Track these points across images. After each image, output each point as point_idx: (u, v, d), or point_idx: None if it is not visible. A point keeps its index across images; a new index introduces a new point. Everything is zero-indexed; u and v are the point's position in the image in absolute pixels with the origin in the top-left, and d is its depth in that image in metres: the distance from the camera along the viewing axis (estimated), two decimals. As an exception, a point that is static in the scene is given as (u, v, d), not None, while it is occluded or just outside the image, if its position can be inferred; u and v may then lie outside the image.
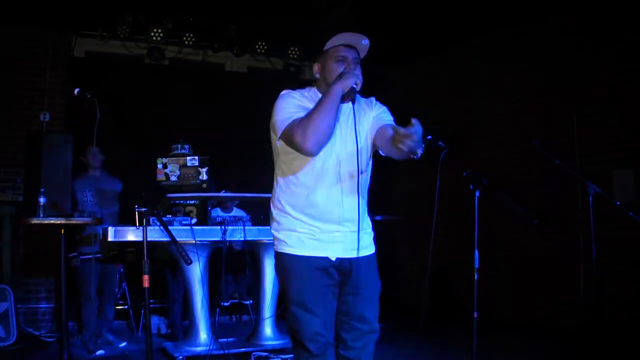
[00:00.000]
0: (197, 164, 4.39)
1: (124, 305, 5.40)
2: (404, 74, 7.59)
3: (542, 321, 5.37)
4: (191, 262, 2.96)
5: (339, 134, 2.21)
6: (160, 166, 4.38)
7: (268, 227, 4.28)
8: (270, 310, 4.53)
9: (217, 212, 5.44)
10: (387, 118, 2.34)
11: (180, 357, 4.10)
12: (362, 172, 2.23)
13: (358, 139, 2.19)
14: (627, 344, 4.31)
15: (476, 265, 3.34)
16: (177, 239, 3.02)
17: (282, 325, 4.72)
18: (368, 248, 2.33)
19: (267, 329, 4.51)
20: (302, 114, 2.13)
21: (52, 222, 3.87)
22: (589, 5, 5.17)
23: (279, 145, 2.24)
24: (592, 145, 5.09)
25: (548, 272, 5.46)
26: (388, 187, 7.42)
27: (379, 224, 7.21)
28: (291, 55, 6.69)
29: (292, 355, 4.29)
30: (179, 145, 4.99)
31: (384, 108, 2.39)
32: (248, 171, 6.56)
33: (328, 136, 2.12)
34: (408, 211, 6.93)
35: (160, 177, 4.37)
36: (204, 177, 4.37)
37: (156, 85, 6.27)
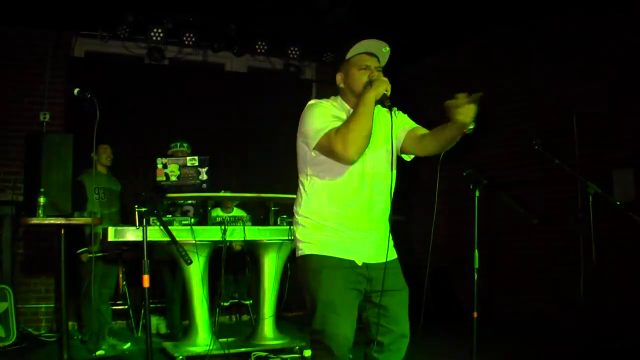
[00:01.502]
0: (197, 164, 4.38)
1: (124, 305, 5.40)
2: (404, 74, 7.58)
3: (542, 321, 5.36)
4: (191, 262, 2.96)
5: (371, 141, 2.20)
6: (160, 166, 4.37)
7: (268, 227, 4.27)
8: (270, 310, 4.53)
9: (217, 212, 5.44)
10: (412, 122, 2.41)
11: (180, 357, 4.10)
12: (384, 180, 2.31)
13: (393, 147, 2.24)
14: (627, 344, 4.31)
15: (476, 265, 3.34)
16: (177, 239, 3.02)
17: (282, 325, 4.74)
18: (391, 253, 2.37)
19: (267, 329, 4.51)
20: (337, 124, 2.16)
21: (52, 222, 3.87)
22: (589, 4, 5.17)
23: (313, 155, 2.24)
24: (592, 145, 5.09)
25: (548, 272, 5.46)
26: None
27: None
28: (291, 55, 6.69)
29: (293, 355, 4.32)
30: (178, 144, 5.00)
31: (405, 115, 2.45)
32: (248, 171, 6.57)
33: (367, 143, 2.14)
34: (408, 211, 6.92)
35: (160, 177, 4.37)
36: (204, 177, 4.37)
37: (156, 85, 6.26)
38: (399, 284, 2.34)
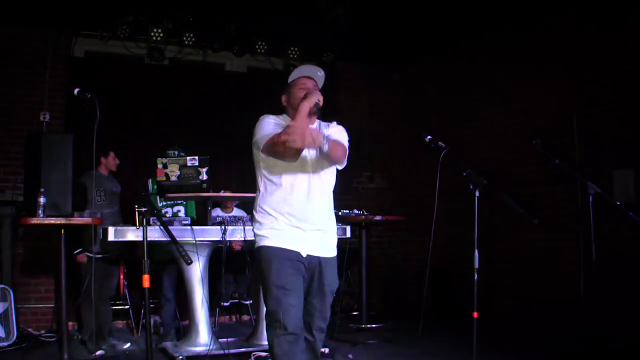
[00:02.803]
0: (197, 164, 4.38)
1: (124, 305, 5.40)
2: (404, 74, 7.59)
3: (542, 321, 5.36)
4: (191, 262, 2.96)
5: (309, 152, 2.68)
6: (160, 166, 4.37)
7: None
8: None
9: (217, 212, 5.44)
10: (332, 132, 2.80)
11: (180, 357, 4.10)
12: (324, 184, 2.73)
13: (322, 148, 2.62)
14: (627, 344, 4.31)
15: (476, 265, 3.34)
16: (177, 239, 3.02)
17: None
18: (331, 250, 2.78)
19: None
20: (279, 130, 2.62)
21: (52, 222, 3.87)
22: (589, 4, 5.17)
23: (262, 157, 2.71)
24: (592, 145, 5.09)
25: (548, 272, 5.46)
26: (388, 187, 7.42)
27: (380, 224, 7.17)
28: (291, 55, 6.68)
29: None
30: (175, 152, 4.99)
31: (338, 128, 2.87)
32: (248, 171, 6.53)
33: (305, 139, 2.55)
34: (408, 211, 6.92)
35: (160, 177, 4.37)
36: (204, 177, 4.37)
37: (156, 85, 6.26)
38: (334, 278, 2.75)
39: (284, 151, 2.57)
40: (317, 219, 2.70)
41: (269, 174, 2.72)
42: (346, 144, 2.83)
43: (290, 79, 2.85)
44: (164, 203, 5.18)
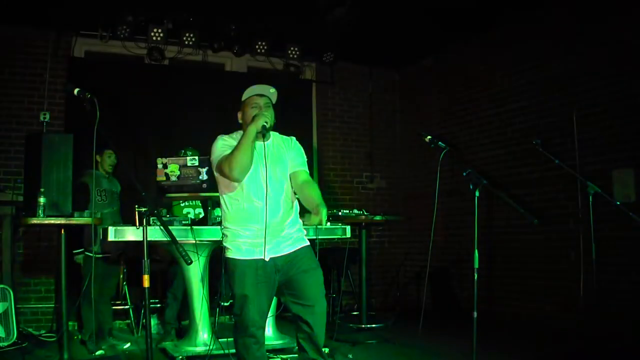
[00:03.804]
0: (197, 164, 4.39)
1: (124, 305, 5.40)
2: (404, 74, 7.59)
3: (542, 321, 5.37)
4: (191, 262, 2.96)
5: (262, 165, 2.85)
6: (160, 166, 4.37)
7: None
8: (270, 310, 4.51)
9: (218, 212, 5.44)
10: (299, 162, 3.00)
11: (180, 357, 4.10)
12: (278, 192, 2.89)
13: (267, 168, 2.84)
14: (626, 343, 4.31)
15: (476, 265, 3.33)
16: (178, 239, 3.02)
17: (282, 325, 4.74)
18: (297, 244, 2.92)
19: (267, 329, 4.51)
20: (229, 152, 2.83)
21: (52, 222, 3.87)
22: (590, 4, 5.17)
23: (217, 176, 2.94)
24: (592, 145, 5.09)
25: (548, 272, 5.46)
26: (388, 187, 7.42)
27: (379, 224, 7.13)
28: (291, 55, 6.69)
29: (292, 355, 4.33)
30: (188, 152, 4.99)
31: (299, 150, 3.04)
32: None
33: (248, 166, 2.80)
34: (408, 211, 6.93)
35: (160, 177, 4.37)
36: (204, 177, 4.37)
37: (156, 85, 6.26)
38: (310, 265, 2.89)
39: (228, 178, 2.81)
40: (277, 227, 2.87)
41: (227, 190, 2.92)
42: (305, 162, 3.01)
43: (244, 98, 3.00)
44: (186, 203, 5.19)
